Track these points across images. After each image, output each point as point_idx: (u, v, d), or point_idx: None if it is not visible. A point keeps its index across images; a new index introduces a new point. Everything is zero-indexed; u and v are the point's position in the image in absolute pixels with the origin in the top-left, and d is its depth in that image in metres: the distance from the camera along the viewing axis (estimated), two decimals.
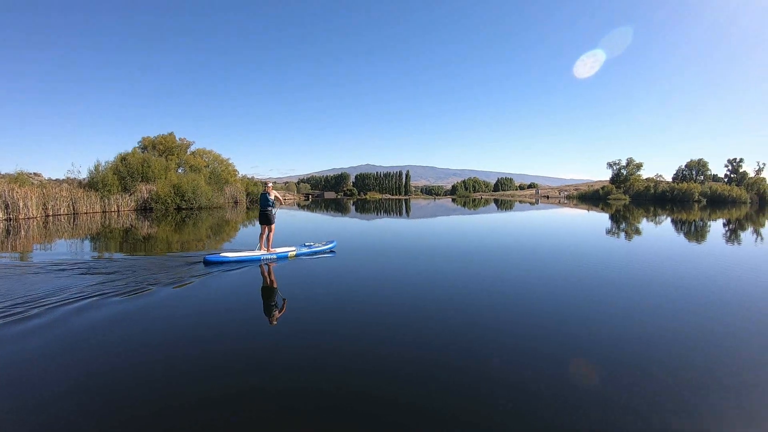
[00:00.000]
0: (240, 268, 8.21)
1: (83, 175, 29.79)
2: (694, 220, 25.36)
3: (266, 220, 9.48)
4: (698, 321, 5.17)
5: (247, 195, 47.59)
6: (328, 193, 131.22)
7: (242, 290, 6.83)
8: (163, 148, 41.42)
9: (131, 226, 18.23)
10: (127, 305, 5.65)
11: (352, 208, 43.09)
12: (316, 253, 9.96)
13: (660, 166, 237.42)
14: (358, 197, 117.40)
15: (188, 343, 4.42)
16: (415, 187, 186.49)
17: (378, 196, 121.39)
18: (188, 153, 43.90)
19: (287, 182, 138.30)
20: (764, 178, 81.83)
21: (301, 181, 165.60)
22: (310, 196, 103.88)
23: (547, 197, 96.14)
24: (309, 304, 5.92)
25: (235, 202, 42.56)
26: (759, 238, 15.67)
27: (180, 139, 43.57)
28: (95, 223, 19.41)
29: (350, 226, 20.50)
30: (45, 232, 15.71)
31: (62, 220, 20.89)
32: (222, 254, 8.70)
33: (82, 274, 7.60)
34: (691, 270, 8.65)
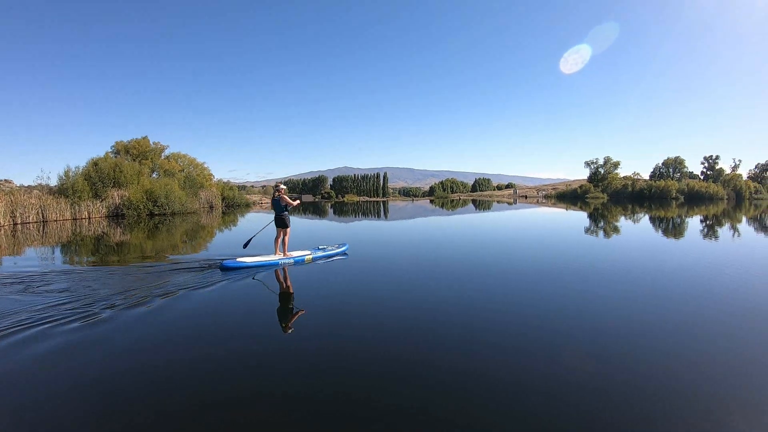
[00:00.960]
0: (258, 273, 8.14)
1: (53, 181, 28.98)
2: (672, 217, 26.03)
3: (282, 223, 9.46)
4: (681, 316, 5.38)
5: (223, 199, 46.99)
6: (305, 195, 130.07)
7: (261, 295, 6.79)
8: (137, 152, 40.55)
9: (103, 233, 17.87)
10: (145, 313, 5.60)
11: (330, 210, 43.04)
12: (330, 256, 10.00)
13: (637, 165, 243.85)
14: (336, 200, 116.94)
15: (209, 347, 4.44)
16: (392, 188, 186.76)
17: (356, 198, 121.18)
18: (162, 157, 43.07)
19: (265, 186, 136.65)
20: (740, 175, 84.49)
21: (279, 184, 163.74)
22: None
23: (526, 197, 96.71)
24: (329, 307, 5.93)
25: (211, 207, 41.98)
26: (736, 233, 16.29)
27: (154, 143, 42.76)
28: (66, 230, 18.93)
29: (342, 228, 20.53)
30: (14, 241, 15.28)
31: (31, 228, 20.30)
32: (239, 259, 8.60)
33: (100, 278, 7.56)
34: (674, 265, 9.05)
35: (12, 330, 4.87)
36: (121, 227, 20.61)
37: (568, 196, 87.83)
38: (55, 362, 4.09)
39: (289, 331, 4.94)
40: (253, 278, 7.72)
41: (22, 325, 5.06)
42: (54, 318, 5.29)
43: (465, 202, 65.46)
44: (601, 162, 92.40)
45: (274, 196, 9.74)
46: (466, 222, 22.94)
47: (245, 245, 9.96)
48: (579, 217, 27.20)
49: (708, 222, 22.25)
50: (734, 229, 18.23)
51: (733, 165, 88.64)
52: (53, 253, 12.04)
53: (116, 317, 5.36)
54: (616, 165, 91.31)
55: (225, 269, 8.18)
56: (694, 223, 21.23)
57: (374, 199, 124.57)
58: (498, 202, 65.54)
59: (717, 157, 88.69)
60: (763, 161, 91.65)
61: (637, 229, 18.33)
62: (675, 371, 3.70)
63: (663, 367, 3.77)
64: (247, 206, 53.75)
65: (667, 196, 74.26)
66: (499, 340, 4.58)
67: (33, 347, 4.43)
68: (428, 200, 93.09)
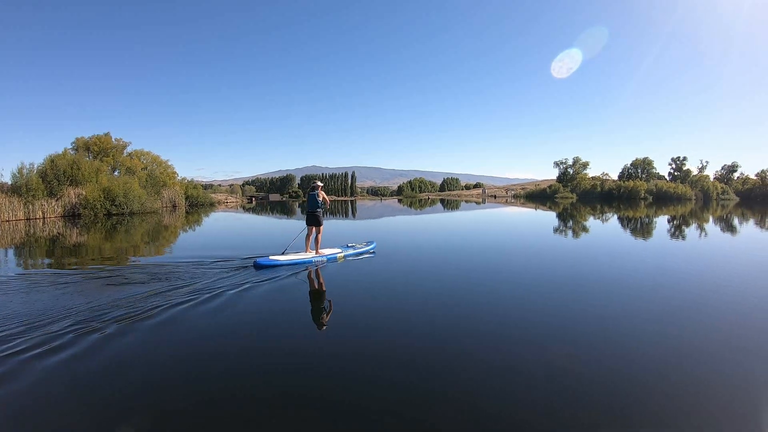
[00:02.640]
0: (292, 272, 7.95)
1: (6, 178, 27.48)
2: (641, 217, 26.72)
3: (315, 221, 9.26)
4: (659, 315, 5.45)
5: (187, 198, 45.82)
6: (273, 195, 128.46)
7: (295, 294, 6.63)
8: (98, 149, 38.96)
9: (58, 234, 17.15)
10: (183, 312, 5.46)
11: (298, 210, 42.63)
12: (360, 254, 9.87)
13: (605, 165, 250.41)
14: (304, 199, 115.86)
15: (246, 346, 4.42)
16: (361, 188, 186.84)
17: None
18: (125, 154, 41.49)
19: (232, 185, 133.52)
20: (708, 176, 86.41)
21: (246, 183, 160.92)
22: (254, 199, 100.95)
23: (495, 197, 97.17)
24: (362, 306, 5.90)
25: (174, 206, 40.89)
26: (703, 233, 16.89)
27: (116, 139, 41.15)
28: (18, 231, 18.05)
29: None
30: None
31: None
32: (272, 257, 8.43)
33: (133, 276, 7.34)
34: (650, 263, 9.39)
35: (60, 333, 4.67)
36: (78, 228, 19.83)
37: (538, 196, 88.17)
38: (94, 364, 3.97)
39: (324, 329, 4.90)
40: (289, 276, 7.60)
41: (73, 328, 4.86)
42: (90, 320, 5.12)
43: (433, 202, 65.95)
44: (570, 162, 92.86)
45: (310, 192, 9.54)
46: (469, 222, 23.27)
47: (283, 252, 9.30)
48: (549, 217, 27.97)
49: (677, 222, 23.03)
50: (701, 229, 19.13)
51: (700, 166, 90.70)
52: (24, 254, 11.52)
53: (157, 320, 5.21)
54: (585, 165, 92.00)
55: (259, 267, 8.03)
56: (668, 223, 21.97)
57: (342, 198, 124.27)
58: (466, 201, 66.35)
59: (684, 159, 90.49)
60: (729, 162, 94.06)
61: (615, 229, 18.89)
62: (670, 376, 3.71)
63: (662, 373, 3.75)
64: (212, 205, 52.59)
65: (636, 196, 74.66)
66: (526, 334, 4.67)
67: (78, 349, 4.28)
68: (396, 199, 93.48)
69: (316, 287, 7.12)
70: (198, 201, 48.87)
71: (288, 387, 3.49)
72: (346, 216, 30.83)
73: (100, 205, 28.51)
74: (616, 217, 27.25)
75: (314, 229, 9.31)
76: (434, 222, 23.37)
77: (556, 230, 18.25)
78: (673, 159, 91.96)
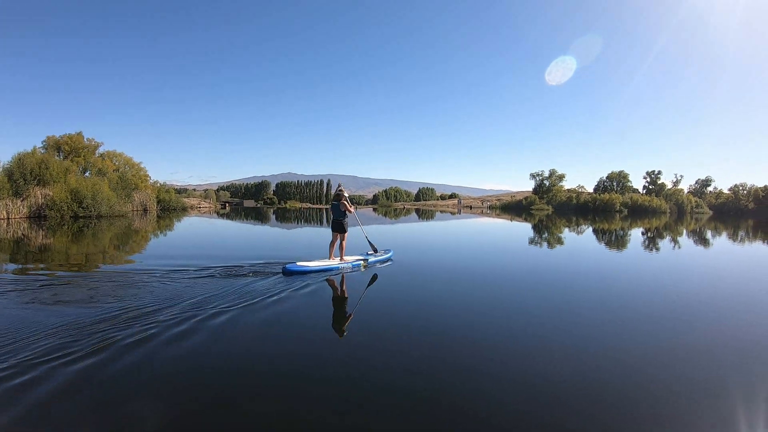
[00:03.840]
0: (319, 278, 7.98)
1: None
2: (615, 229, 27.28)
3: (340, 228, 9.27)
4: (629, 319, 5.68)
5: (158, 202, 44.82)
6: (247, 201, 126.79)
7: (324, 300, 6.71)
8: (69, 148, 37.71)
9: (23, 236, 16.50)
10: (227, 317, 5.37)
11: (273, 216, 42.21)
12: (381, 261, 9.91)
13: (581, 178, 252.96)
14: (279, 206, 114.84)
15: (280, 352, 4.41)
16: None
17: (298, 205, 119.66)
18: (97, 155, 40.29)
19: (207, 190, 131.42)
20: (682, 190, 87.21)
21: (221, 188, 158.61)
22: (227, 205, 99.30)
23: (470, 207, 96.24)
24: (386, 312, 5.97)
25: (145, 210, 39.94)
26: (676, 245, 17.47)
27: (88, 139, 39.90)
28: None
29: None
30: None
31: None
32: (299, 263, 8.35)
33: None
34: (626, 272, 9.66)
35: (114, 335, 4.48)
36: (43, 230, 19.12)
37: (513, 208, 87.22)
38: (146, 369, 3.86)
39: (355, 338, 4.88)
40: (316, 283, 7.60)
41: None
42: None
43: (408, 211, 65.97)
44: (546, 174, 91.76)
45: (334, 200, 9.48)
46: (447, 231, 23.35)
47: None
48: (524, 227, 28.42)
49: (653, 233, 23.70)
50: (675, 242, 19.69)
51: (674, 180, 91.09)
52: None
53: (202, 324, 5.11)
54: (561, 177, 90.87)
55: (287, 273, 8.01)
56: (651, 235, 22.44)
57: (317, 206, 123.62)
58: (442, 212, 66.23)
59: (659, 173, 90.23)
60: (702, 177, 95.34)
61: (593, 240, 19.28)
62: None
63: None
64: (184, 210, 51.61)
65: (611, 209, 74.45)
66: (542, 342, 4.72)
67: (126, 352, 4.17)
68: (372, 208, 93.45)
69: (347, 294, 7.20)
70: (170, 205, 47.84)
71: (315, 391, 3.51)
72: (321, 224, 30.68)
73: (66, 207, 27.51)
74: (591, 229, 27.90)
75: (339, 236, 9.36)
76: (416, 231, 23.57)
77: (526, 238, 18.41)
78: (648, 173, 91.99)
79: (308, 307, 6.11)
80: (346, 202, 9.29)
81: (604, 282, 8.73)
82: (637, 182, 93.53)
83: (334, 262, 9.04)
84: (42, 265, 9.59)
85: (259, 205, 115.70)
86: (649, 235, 23.39)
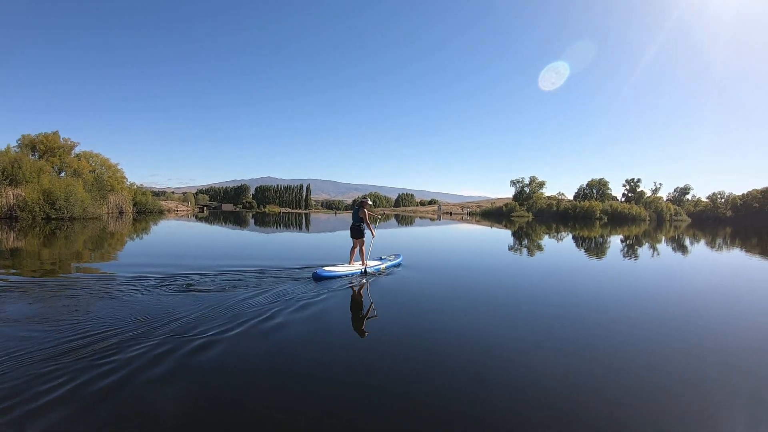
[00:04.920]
0: (346, 282, 8.20)
1: None
2: (595, 237, 27.23)
3: (357, 233, 9.42)
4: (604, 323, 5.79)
5: (135, 205, 43.63)
6: (226, 205, 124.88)
7: (356, 303, 6.86)
8: (44, 148, 36.38)
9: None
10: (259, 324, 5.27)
11: (252, 221, 41.54)
12: (395, 265, 10.28)
13: (561, 185, 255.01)
14: (258, 210, 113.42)
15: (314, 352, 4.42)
16: (315, 201, 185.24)
17: (277, 209, 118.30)
18: (72, 155, 38.96)
19: (186, 193, 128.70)
20: (661, 198, 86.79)
21: (200, 191, 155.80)
22: (205, 208, 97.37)
23: (450, 213, 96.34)
24: (409, 313, 6.23)
25: (121, 212, 38.79)
26: (656, 252, 17.47)
27: (64, 139, 38.55)
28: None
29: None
30: None
31: None
32: (327, 269, 8.64)
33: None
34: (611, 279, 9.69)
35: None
36: (14, 231, 18.29)
37: (494, 214, 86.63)
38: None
39: (390, 343, 4.85)
40: (347, 287, 7.81)
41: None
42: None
43: (388, 217, 65.69)
44: (526, 181, 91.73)
45: (355, 205, 9.80)
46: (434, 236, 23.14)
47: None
48: (503, 233, 28.61)
49: (635, 241, 23.39)
50: (654, 249, 19.98)
51: (653, 188, 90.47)
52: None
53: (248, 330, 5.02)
54: (542, 185, 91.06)
55: (317, 279, 8.23)
56: (635, 243, 22.53)
57: (297, 210, 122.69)
58: (421, 218, 66.27)
59: (638, 180, 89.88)
60: (681, 185, 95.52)
61: (576, 247, 19.39)
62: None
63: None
64: (160, 213, 50.38)
65: (591, 216, 73.78)
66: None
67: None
68: (351, 214, 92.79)
69: (371, 297, 7.30)
70: (146, 208, 46.63)
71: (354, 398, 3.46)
72: (300, 229, 30.35)
73: (39, 208, 26.46)
74: (571, 236, 28.21)
75: (358, 241, 9.57)
76: (408, 236, 23.27)
77: (510, 244, 18.55)
78: (627, 180, 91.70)
79: (332, 312, 6.11)
80: (366, 210, 9.59)
81: (586, 285, 8.84)
82: (617, 190, 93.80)
83: (358, 266, 9.31)
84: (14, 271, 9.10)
85: (238, 209, 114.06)
86: (628, 242, 23.40)
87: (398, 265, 10.48)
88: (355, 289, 7.80)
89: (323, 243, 18.79)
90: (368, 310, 6.46)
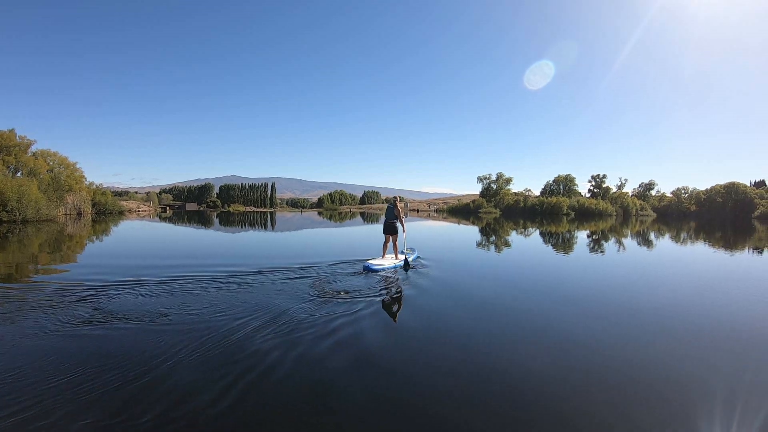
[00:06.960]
0: (392, 275, 8.71)
1: None
2: (562, 232, 26.72)
3: (392, 230, 10.04)
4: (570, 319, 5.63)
5: (94, 205, 41.49)
6: (190, 204, 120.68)
7: (404, 291, 7.24)
8: None
9: None
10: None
11: (216, 220, 40.36)
12: (418, 258, 10.87)
13: (528, 181, 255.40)
14: (222, 209, 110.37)
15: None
16: (280, 199, 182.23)
17: (242, 208, 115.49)
18: (29, 154, 36.48)
19: (149, 192, 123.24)
20: (627, 193, 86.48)
21: (164, 191, 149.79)
22: (168, 208, 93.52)
23: (417, 211, 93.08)
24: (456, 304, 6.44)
25: (79, 214, 36.81)
26: (622, 248, 16.92)
27: (20, 137, 35.96)
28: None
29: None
30: None
31: None
32: (370, 262, 9.24)
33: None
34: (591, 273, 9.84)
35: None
36: None
37: (461, 211, 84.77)
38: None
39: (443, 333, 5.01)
40: (395, 279, 8.36)
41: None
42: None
43: (354, 215, 65.05)
44: (494, 177, 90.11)
45: (390, 203, 10.30)
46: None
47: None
48: (471, 229, 28.72)
49: (598, 235, 23.07)
50: (620, 244, 19.67)
51: (619, 184, 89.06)
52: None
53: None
54: (509, 181, 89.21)
55: (367, 271, 8.83)
56: (603, 238, 22.08)
57: (262, 209, 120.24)
58: None
59: (604, 176, 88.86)
60: (646, 180, 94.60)
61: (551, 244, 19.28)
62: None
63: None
64: (121, 213, 48.13)
65: (558, 212, 73.02)
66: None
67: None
68: (316, 212, 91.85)
69: (413, 287, 7.65)
70: (106, 208, 44.44)
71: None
72: (265, 228, 29.72)
73: None
74: (538, 232, 28.50)
75: (391, 237, 10.13)
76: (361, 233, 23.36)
77: (472, 239, 18.27)
78: (593, 176, 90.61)
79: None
80: (400, 208, 10.12)
81: (557, 279, 8.86)
82: (583, 186, 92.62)
83: (395, 260, 9.74)
84: None
85: (202, 209, 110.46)
86: (594, 237, 23.12)
87: (418, 258, 11.04)
88: (399, 279, 8.30)
89: (296, 242, 18.46)
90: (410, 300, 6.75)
